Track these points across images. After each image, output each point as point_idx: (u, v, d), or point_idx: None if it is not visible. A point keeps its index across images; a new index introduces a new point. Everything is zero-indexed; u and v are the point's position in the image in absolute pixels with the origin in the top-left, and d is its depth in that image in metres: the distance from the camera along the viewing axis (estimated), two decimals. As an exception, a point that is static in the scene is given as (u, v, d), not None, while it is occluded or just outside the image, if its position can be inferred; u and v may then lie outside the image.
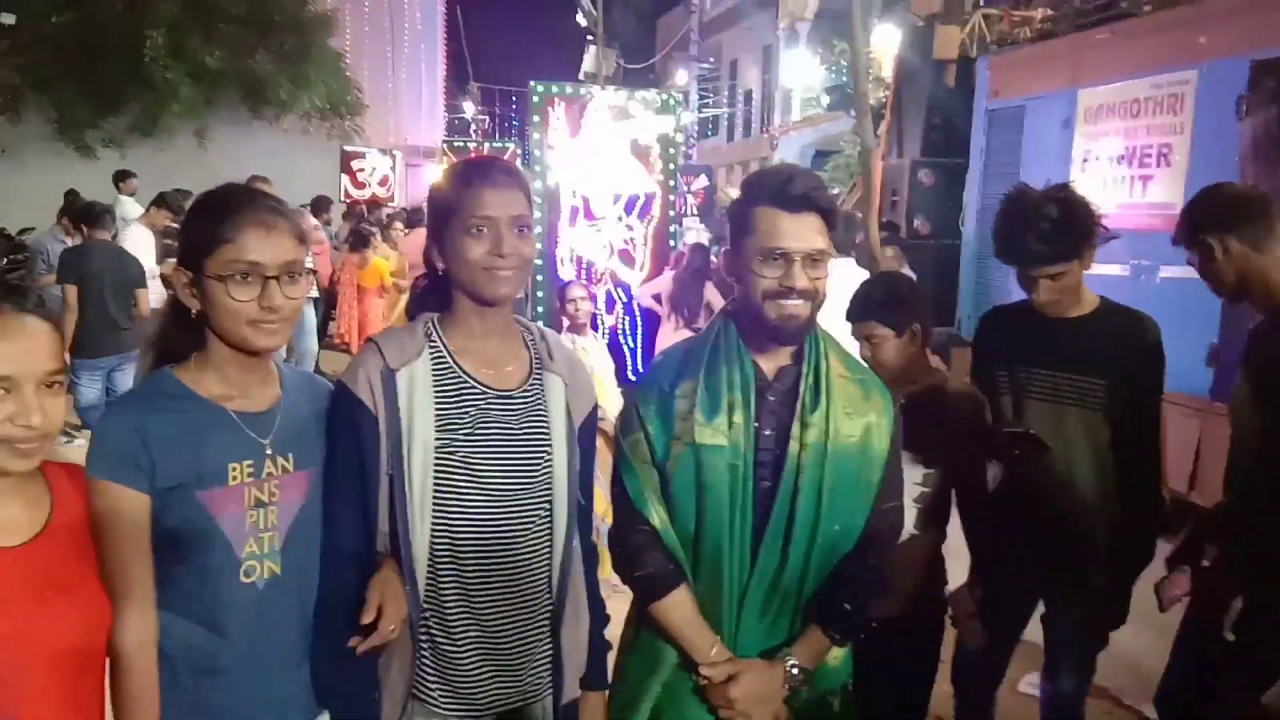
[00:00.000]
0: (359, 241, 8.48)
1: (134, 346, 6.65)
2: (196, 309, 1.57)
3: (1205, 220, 2.47)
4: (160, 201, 7.74)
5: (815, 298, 1.73)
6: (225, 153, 14.72)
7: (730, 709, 1.75)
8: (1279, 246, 2.39)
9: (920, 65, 7.98)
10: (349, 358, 8.63)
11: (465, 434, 1.65)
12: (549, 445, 1.72)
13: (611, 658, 1.93)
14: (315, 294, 8.13)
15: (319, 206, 10.01)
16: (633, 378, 7.17)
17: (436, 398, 1.65)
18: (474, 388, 1.68)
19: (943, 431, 2.37)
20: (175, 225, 7.65)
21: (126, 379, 6.64)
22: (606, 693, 1.90)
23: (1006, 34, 7.74)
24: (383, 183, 18.01)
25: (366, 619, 1.51)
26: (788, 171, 1.76)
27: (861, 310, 2.51)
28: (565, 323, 5.32)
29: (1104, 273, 2.55)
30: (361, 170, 17.94)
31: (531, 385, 1.74)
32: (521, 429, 1.70)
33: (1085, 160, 6.02)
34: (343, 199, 16.39)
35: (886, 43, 10.64)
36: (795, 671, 1.77)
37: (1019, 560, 2.60)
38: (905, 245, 7.15)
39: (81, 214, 6.84)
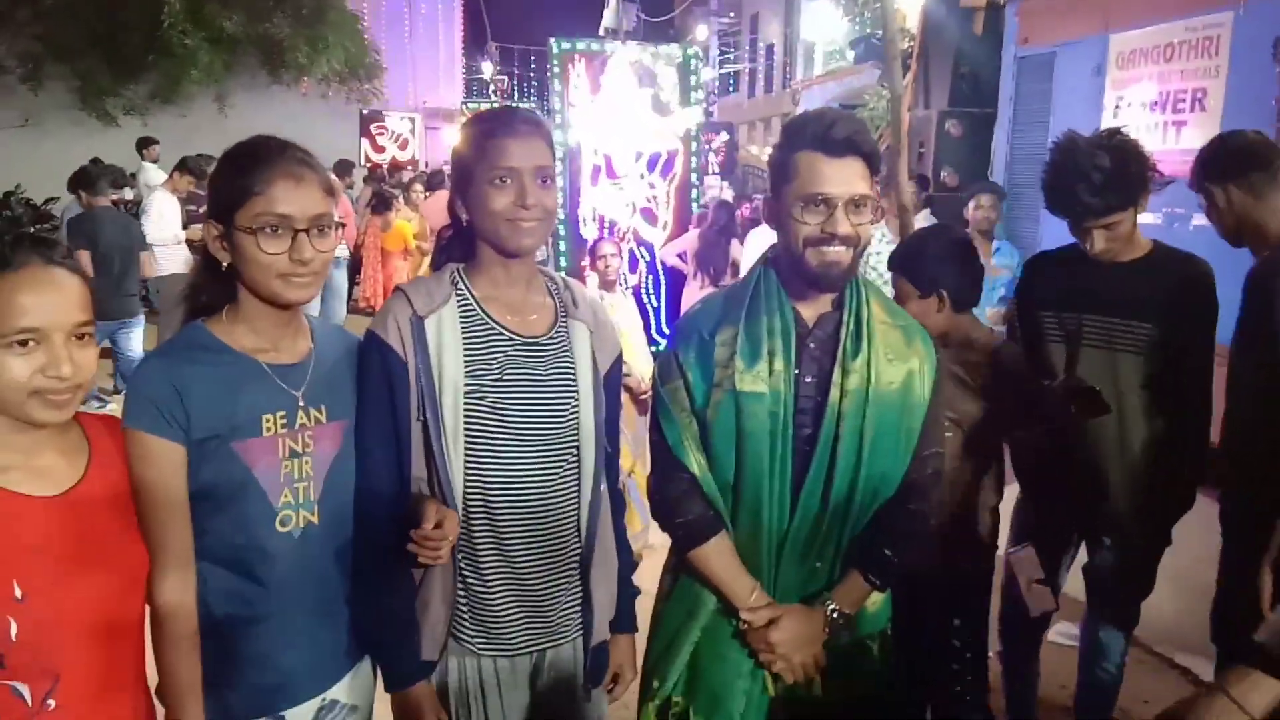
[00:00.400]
0: (382, 204, 8.48)
1: (137, 311, 6.74)
2: (227, 262, 1.57)
3: (1208, 169, 2.53)
4: (183, 167, 7.79)
5: (857, 244, 1.70)
6: (245, 118, 14.69)
7: (771, 653, 1.76)
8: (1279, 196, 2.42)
9: (947, 13, 7.82)
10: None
11: (494, 379, 1.67)
12: (575, 391, 1.73)
13: (641, 604, 1.94)
14: (343, 254, 8.13)
15: (341, 171, 9.99)
16: (657, 337, 7.16)
17: (465, 343, 1.66)
18: (501, 334, 1.69)
19: (988, 384, 2.34)
20: (199, 191, 7.70)
21: (132, 342, 6.73)
22: (635, 635, 1.93)
23: (1036, -21, 7.57)
24: (402, 146, 17.99)
25: (427, 526, 1.51)
26: (830, 115, 1.72)
27: (894, 260, 2.49)
28: (596, 280, 5.31)
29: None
30: (381, 133, 17.91)
31: (557, 332, 1.75)
32: (549, 375, 1.71)
33: (1117, 107, 5.90)
34: (363, 163, 16.38)
35: (911, -8, 10.43)
36: (836, 616, 1.77)
37: (1068, 505, 2.59)
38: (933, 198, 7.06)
39: (78, 180, 6.89)
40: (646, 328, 6.82)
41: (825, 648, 1.78)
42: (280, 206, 1.52)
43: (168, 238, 7.31)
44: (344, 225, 8.75)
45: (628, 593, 1.90)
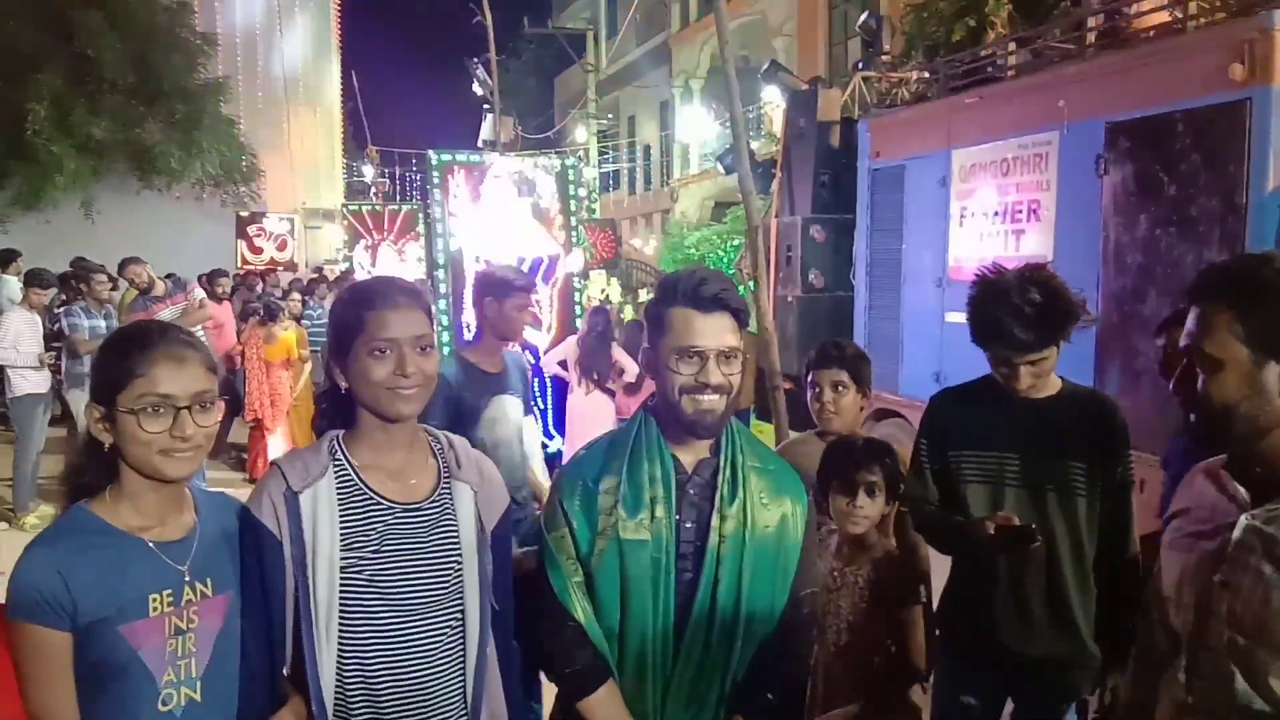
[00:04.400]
0: (267, 315, 8.35)
1: None
2: (109, 443, 1.60)
3: None
4: (32, 280, 7.51)
5: (730, 392, 1.82)
6: (113, 224, 14.35)
7: None
8: None
9: (805, 124, 8.32)
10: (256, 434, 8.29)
11: (372, 551, 1.69)
12: (458, 555, 1.77)
13: None
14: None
15: (211, 280, 9.83)
16: (544, 439, 7.21)
17: (342, 517, 1.69)
18: (380, 504, 1.72)
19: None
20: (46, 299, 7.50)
21: None
22: None
23: (885, 94, 8.17)
24: (281, 247, 17.73)
25: None
26: (700, 274, 1.85)
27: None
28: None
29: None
30: (259, 235, 17.63)
31: (439, 495, 1.78)
32: (429, 541, 1.74)
33: (962, 216, 6.37)
34: (239, 266, 16.07)
35: (779, 99, 11.04)
36: None
37: (992, 658, 2.53)
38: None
39: None
40: (533, 431, 6.89)
41: None
42: (162, 386, 1.57)
43: (23, 358, 7.04)
44: (221, 326, 8.48)
45: None
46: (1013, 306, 2.34)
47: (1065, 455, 2.43)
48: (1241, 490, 1.49)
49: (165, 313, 7.40)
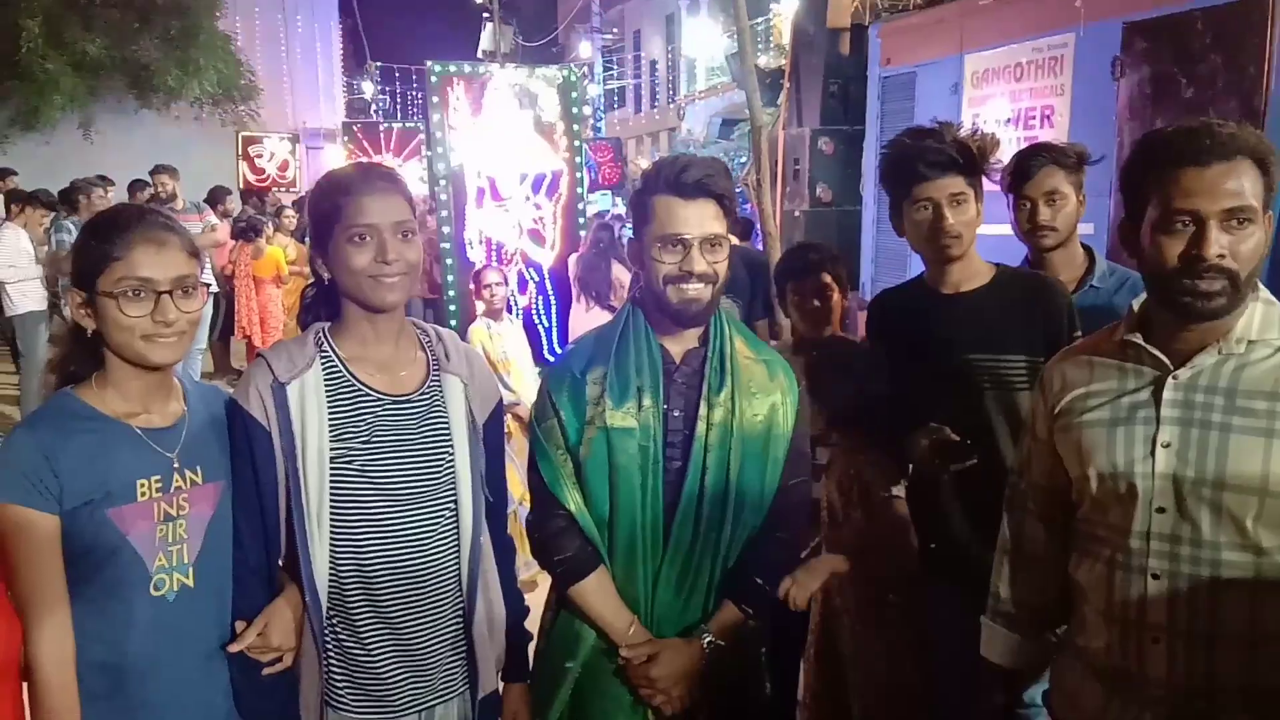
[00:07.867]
0: (250, 231, 8.31)
1: None
2: (92, 329, 1.57)
3: None
4: (32, 201, 7.54)
5: (715, 281, 1.79)
6: (112, 144, 14.23)
7: (650, 688, 1.82)
8: None
9: (815, 33, 8.11)
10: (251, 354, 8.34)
11: (362, 442, 1.67)
12: (449, 446, 1.74)
13: (532, 646, 1.97)
14: (209, 280, 7.93)
15: (215, 198, 9.75)
16: (550, 358, 7.19)
17: (330, 408, 1.66)
18: (368, 395, 1.70)
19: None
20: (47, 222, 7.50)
21: None
22: (526, 684, 1.94)
23: (897, 0, 7.93)
24: (282, 168, 17.58)
25: (233, 648, 1.60)
26: (683, 160, 1.82)
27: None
28: (481, 307, 5.33)
29: (994, 232, 2.53)
30: (260, 156, 17.49)
31: (429, 388, 1.76)
32: (419, 432, 1.72)
33: (974, 124, 6.22)
34: (241, 186, 15.97)
35: (787, 10, 10.75)
36: (712, 647, 1.84)
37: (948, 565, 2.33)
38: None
39: None
40: (539, 349, 6.85)
41: (704, 678, 1.84)
42: (141, 270, 1.54)
43: (21, 275, 7.06)
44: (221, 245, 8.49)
45: (517, 642, 1.91)
46: (921, 133, 2.26)
47: (999, 348, 2.25)
48: (1163, 356, 1.49)
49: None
